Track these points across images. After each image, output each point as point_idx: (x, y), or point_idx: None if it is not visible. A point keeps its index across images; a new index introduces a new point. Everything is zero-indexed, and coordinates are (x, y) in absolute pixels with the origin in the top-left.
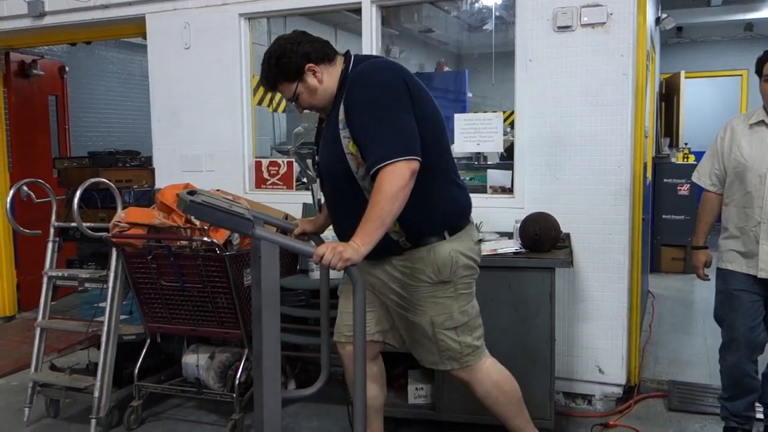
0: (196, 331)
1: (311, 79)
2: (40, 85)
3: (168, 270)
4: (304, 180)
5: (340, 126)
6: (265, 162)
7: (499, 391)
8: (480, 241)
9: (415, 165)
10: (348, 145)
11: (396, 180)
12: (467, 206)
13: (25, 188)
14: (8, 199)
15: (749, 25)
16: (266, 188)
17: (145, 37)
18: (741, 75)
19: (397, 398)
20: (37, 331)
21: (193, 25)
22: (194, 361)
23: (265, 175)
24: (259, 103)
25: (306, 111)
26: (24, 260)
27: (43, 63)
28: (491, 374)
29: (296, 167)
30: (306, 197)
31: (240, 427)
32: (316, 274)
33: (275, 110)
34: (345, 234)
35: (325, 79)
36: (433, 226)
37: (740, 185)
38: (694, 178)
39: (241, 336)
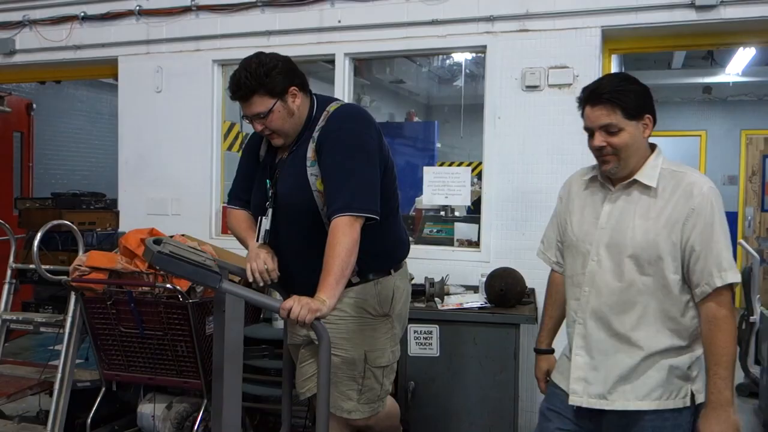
0: (154, 380)
1: (291, 102)
2: (5, 121)
3: (128, 316)
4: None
5: (308, 163)
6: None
7: (388, 419)
8: (411, 279)
9: (362, 221)
10: (315, 183)
11: (352, 233)
12: (408, 246)
13: None
14: None
15: (708, 88)
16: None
17: (116, 78)
18: (700, 135)
19: None
20: None
21: (165, 69)
22: (150, 410)
23: None
24: (229, 148)
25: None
26: None
27: (10, 99)
28: (390, 414)
29: None
30: None
31: None
32: (279, 324)
33: None
34: (297, 268)
35: (301, 107)
36: (382, 263)
37: (567, 265)
38: (539, 253)
39: (201, 386)
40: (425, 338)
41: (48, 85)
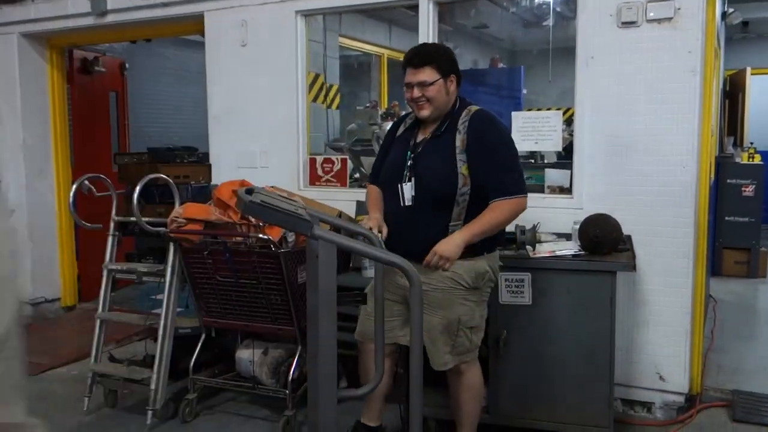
0: (249, 327)
1: (450, 84)
2: (101, 81)
3: (223, 265)
4: (357, 177)
5: (457, 151)
6: (319, 159)
7: (477, 390)
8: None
9: (525, 201)
10: (462, 168)
11: (515, 211)
12: (504, 234)
13: (86, 182)
14: (71, 194)
15: None
16: (320, 185)
17: (203, 35)
18: None
19: (449, 400)
20: (97, 323)
21: (250, 23)
22: (248, 356)
23: (319, 172)
24: (314, 99)
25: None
26: (84, 252)
27: (105, 60)
28: (478, 372)
29: (350, 164)
30: (359, 194)
31: (293, 423)
32: (369, 273)
33: (329, 107)
34: (411, 236)
35: (452, 94)
36: (483, 244)
37: None
38: None
39: (295, 333)
40: (517, 286)
41: (138, 45)
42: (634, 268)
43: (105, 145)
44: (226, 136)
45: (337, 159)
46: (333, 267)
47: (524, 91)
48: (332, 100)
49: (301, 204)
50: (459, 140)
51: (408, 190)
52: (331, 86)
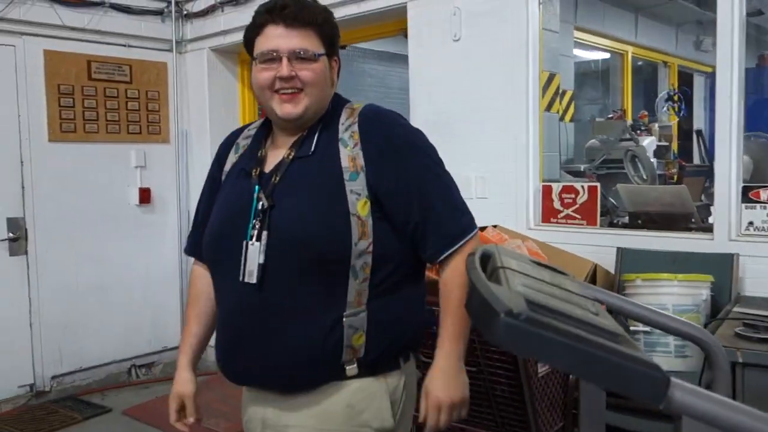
0: (466, 431)
1: (332, 71)
2: None
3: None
4: (605, 211)
5: (346, 176)
6: (556, 187)
7: None
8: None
9: None
10: (357, 204)
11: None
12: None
13: None
14: None
15: None
16: (557, 223)
17: (405, 35)
18: None
19: None
20: None
21: (464, 11)
22: None
23: (557, 204)
24: (548, 107)
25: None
26: None
27: None
28: None
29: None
30: (617, 238)
31: None
32: None
33: (562, 118)
34: (249, 345)
35: (334, 87)
36: (395, 347)
37: None
38: None
39: None
40: None
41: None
42: None
43: None
44: None
45: (582, 187)
46: None
47: None
48: (566, 110)
49: (598, 304)
50: (346, 158)
51: (253, 254)
52: (564, 92)
